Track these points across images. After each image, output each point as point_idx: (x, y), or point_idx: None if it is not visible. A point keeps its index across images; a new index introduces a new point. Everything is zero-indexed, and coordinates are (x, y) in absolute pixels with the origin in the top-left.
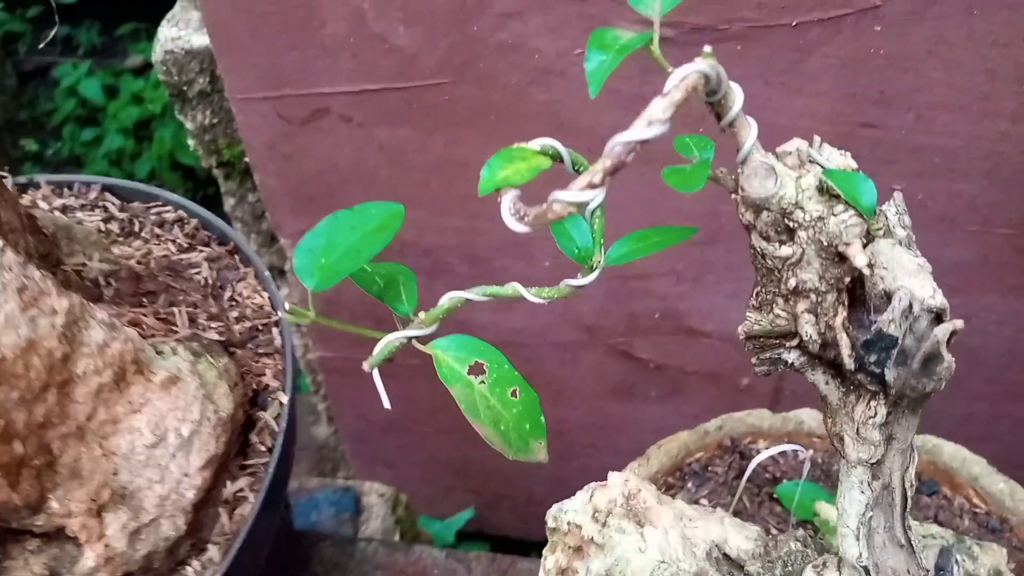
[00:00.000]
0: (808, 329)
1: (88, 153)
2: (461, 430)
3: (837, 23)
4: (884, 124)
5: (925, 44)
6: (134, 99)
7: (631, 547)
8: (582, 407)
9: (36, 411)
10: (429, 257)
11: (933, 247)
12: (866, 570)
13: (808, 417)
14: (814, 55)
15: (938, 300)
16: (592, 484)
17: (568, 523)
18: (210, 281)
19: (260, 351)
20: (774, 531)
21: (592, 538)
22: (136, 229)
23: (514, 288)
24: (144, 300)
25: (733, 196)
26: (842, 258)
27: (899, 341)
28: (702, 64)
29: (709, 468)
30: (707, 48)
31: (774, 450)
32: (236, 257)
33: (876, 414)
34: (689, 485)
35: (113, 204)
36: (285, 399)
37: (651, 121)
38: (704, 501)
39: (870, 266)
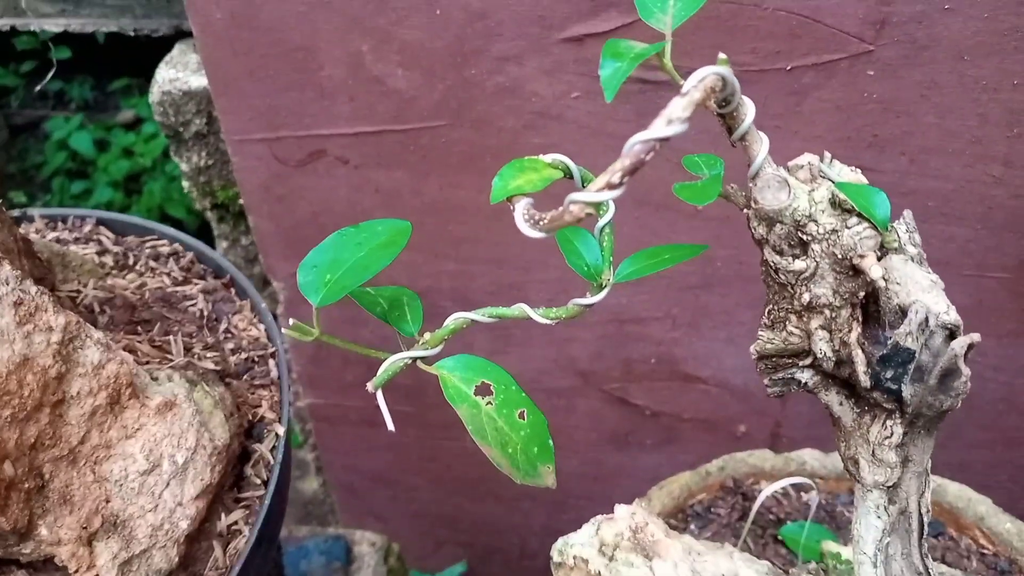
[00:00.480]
0: (822, 346)
1: (77, 206)
2: (452, 480)
3: (831, 68)
4: (878, 167)
5: (917, 89)
6: (125, 153)
7: None
8: (577, 456)
9: (28, 431)
10: (423, 300)
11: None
12: None
13: (810, 457)
14: (808, 99)
15: (952, 316)
16: (599, 517)
17: (574, 557)
18: (205, 313)
19: (256, 383)
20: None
21: (599, 573)
22: (130, 262)
23: (521, 309)
24: (139, 328)
25: (744, 211)
26: (856, 272)
27: (916, 355)
28: (719, 68)
29: (712, 510)
30: (722, 55)
31: (781, 484)
32: (232, 290)
33: (892, 434)
34: (692, 527)
35: (107, 238)
36: (281, 431)
37: (671, 120)
38: None
39: (885, 280)
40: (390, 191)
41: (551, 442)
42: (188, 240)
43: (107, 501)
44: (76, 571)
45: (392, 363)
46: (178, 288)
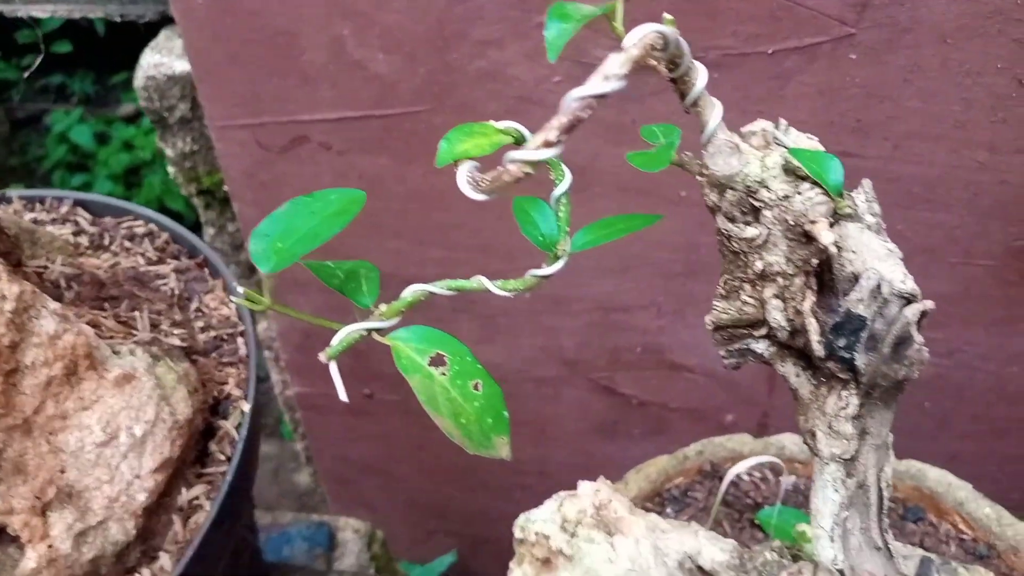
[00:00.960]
0: (776, 315)
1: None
2: (441, 470)
3: (813, 51)
4: (862, 153)
5: (900, 73)
6: (125, 146)
7: (601, 558)
8: (566, 446)
9: None
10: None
11: (915, 279)
12: (841, 573)
13: (790, 442)
14: (791, 83)
15: (909, 286)
16: (562, 493)
17: (536, 533)
18: (176, 292)
19: (224, 360)
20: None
21: (561, 549)
22: (106, 243)
23: (479, 281)
24: (106, 305)
25: (698, 178)
26: (809, 238)
27: (868, 323)
28: (660, 26)
29: (688, 493)
30: (667, 16)
31: (749, 462)
32: (205, 270)
33: (848, 405)
34: (668, 510)
35: (84, 219)
36: (247, 407)
37: (607, 76)
38: None
39: (837, 246)
40: (373, 177)
41: (506, 413)
42: (163, 220)
43: (62, 472)
44: (29, 541)
45: (347, 334)
46: (151, 268)
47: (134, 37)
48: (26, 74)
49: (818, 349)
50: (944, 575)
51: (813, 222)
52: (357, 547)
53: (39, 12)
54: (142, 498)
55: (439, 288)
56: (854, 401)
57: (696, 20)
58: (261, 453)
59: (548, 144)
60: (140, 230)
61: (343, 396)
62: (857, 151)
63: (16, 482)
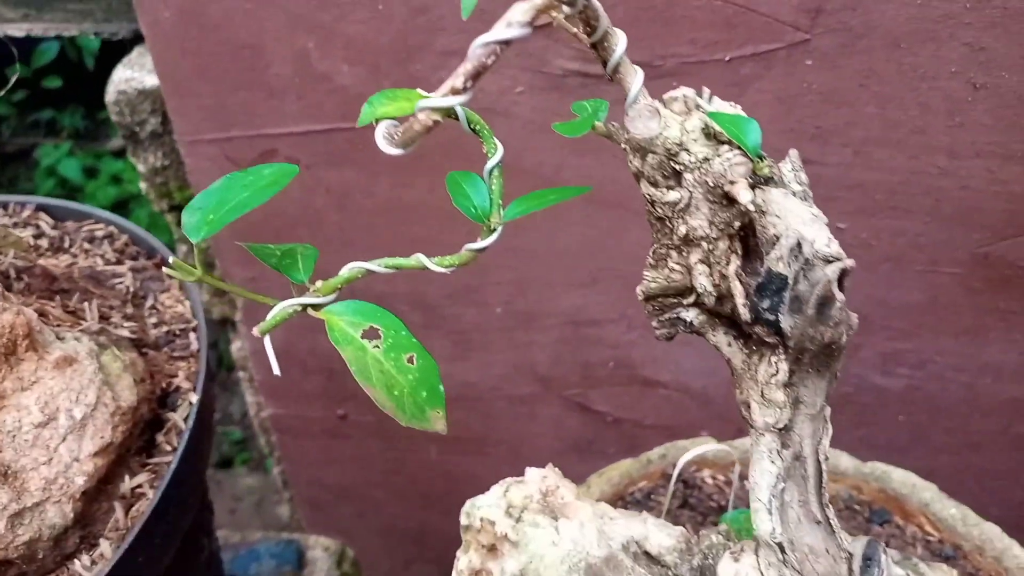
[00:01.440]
0: (702, 280)
1: None
2: (418, 495)
3: (769, 58)
4: (822, 160)
5: (856, 78)
6: (113, 180)
7: (545, 541)
8: (542, 466)
9: None
10: (380, 304)
11: (881, 288)
12: (781, 547)
13: None
14: (749, 90)
15: (833, 248)
16: (508, 479)
17: (481, 519)
18: (132, 289)
19: (175, 355)
20: None
21: (506, 535)
22: (66, 245)
23: (417, 259)
24: (56, 297)
25: (622, 145)
26: (730, 200)
27: (789, 282)
28: None
29: (651, 496)
30: None
31: (700, 450)
32: (162, 269)
33: (778, 372)
34: None
35: (46, 223)
36: (195, 399)
37: (511, 23)
38: None
39: (760, 210)
40: (341, 191)
41: (441, 388)
42: (123, 223)
43: None
44: None
45: (282, 309)
46: (108, 267)
47: None
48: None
49: (744, 313)
50: (905, 570)
51: (732, 183)
52: (327, 565)
53: (15, 31)
54: (81, 481)
55: (377, 266)
56: (784, 367)
57: (653, 28)
58: (244, 486)
59: (455, 91)
60: (100, 232)
61: (276, 370)
62: (817, 158)
63: None
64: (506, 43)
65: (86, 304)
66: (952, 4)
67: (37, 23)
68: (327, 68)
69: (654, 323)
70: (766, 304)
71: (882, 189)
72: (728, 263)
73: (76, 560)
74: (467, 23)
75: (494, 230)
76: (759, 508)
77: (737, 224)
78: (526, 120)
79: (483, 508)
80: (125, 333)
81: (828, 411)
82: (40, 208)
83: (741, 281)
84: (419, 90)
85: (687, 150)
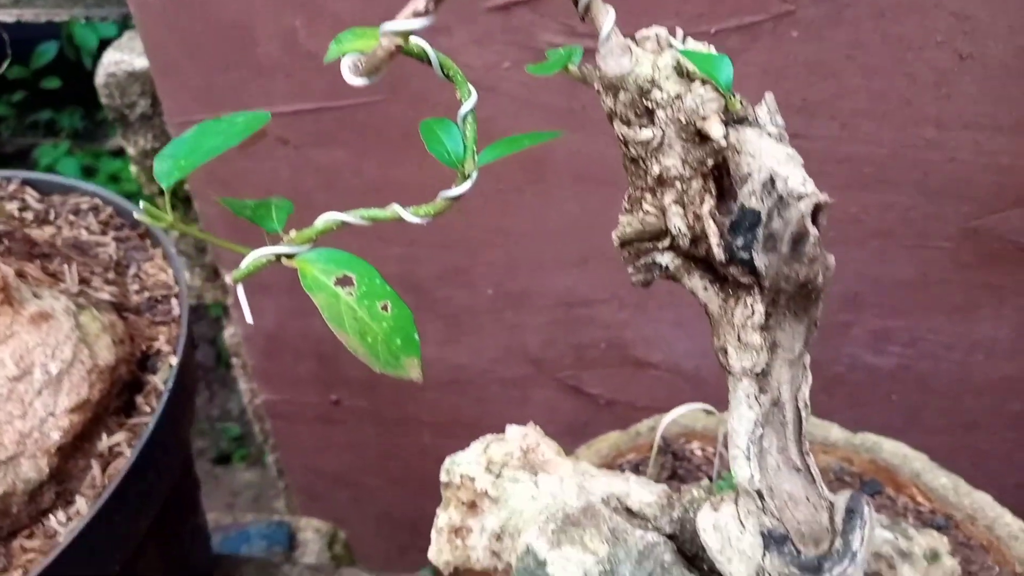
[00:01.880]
0: (677, 221)
1: None
2: (413, 481)
3: (755, 30)
4: (809, 134)
5: (842, 49)
6: (111, 179)
7: (524, 496)
8: None
9: None
10: None
11: (871, 265)
12: (759, 494)
13: None
14: (735, 63)
15: (809, 188)
16: (488, 436)
17: (461, 475)
18: (115, 258)
19: (157, 320)
20: None
21: (486, 491)
22: (51, 218)
23: (393, 210)
24: (37, 261)
25: (595, 85)
26: (703, 138)
27: (762, 217)
28: None
29: (640, 468)
30: None
31: (682, 409)
32: (147, 240)
33: (754, 313)
34: None
35: (32, 196)
36: (175, 361)
37: None
38: None
39: (728, 141)
40: (330, 171)
41: (416, 336)
42: (108, 195)
43: None
44: None
45: (255, 257)
46: (92, 237)
47: None
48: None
49: (718, 253)
50: (893, 533)
51: (704, 118)
52: (318, 546)
53: (5, 16)
54: (56, 436)
55: (352, 217)
56: (759, 308)
57: (637, 1)
58: (242, 481)
59: (418, 14)
60: (85, 205)
61: (249, 319)
62: (805, 132)
63: None
64: None
65: (66, 267)
66: None
67: (27, 8)
68: (315, 47)
69: (630, 269)
70: (740, 242)
71: (870, 162)
72: (702, 203)
73: (51, 516)
74: (456, 1)
75: (468, 176)
76: (737, 455)
77: (710, 162)
78: (514, 96)
79: (463, 465)
80: (105, 296)
81: (807, 359)
82: (25, 183)
83: (715, 221)
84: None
85: (659, 87)
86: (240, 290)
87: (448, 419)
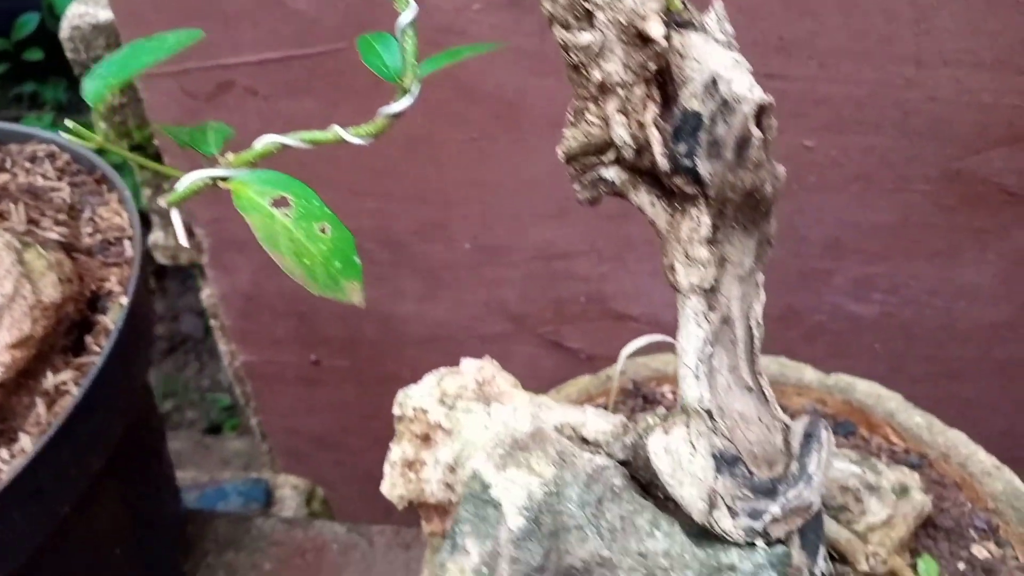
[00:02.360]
0: (620, 131)
1: None
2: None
3: None
4: (787, 74)
5: None
6: (96, 151)
7: (477, 426)
8: None
9: None
10: None
11: (852, 210)
12: (709, 414)
13: None
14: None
15: (756, 94)
16: (442, 369)
17: (414, 408)
18: (68, 202)
19: (109, 261)
20: None
21: (439, 423)
22: (7, 166)
23: (334, 132)
24: None
25: None
26: (644, 40)
27: (704, 120)
28: None
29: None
30: None
31: (641, 342)
32: (104, 186)
33: (700, 225)
34: None
35: None
36: (125, 301)
37: None
38: None
39: (670, 43)
40: (300, 122)
41: (357, 260)
42: (64, 142)
43: None
44: None
45: (191, 180)
46: (47, 183)
47: None
48: None
49: (662, 162)
50: (861, 468)
51: (644, 18)
52: (295, 503)
53: None
54: None
55: (292, 140)
56: (706, 220)
57: None
58: (232, 449)
59: None
60: (42, 152)
61: (183, 241)
62: (782, 72)
63: None
64: None
65: (13, 207)
66: None
67: None
68: None
69: (576, 186)
70: (683, 149)
71: (849, 103)
72: (645, 110)
73: None
74: None
75: (408, 91)
76: (686, 374)
77: (653, 67)
78: (484, 39)
79: (415, 397)
80: (54, 236)
81: (760, 277)
82: None
83: (659, 128)
84: None
85: None
86: (175, 215)
87: None
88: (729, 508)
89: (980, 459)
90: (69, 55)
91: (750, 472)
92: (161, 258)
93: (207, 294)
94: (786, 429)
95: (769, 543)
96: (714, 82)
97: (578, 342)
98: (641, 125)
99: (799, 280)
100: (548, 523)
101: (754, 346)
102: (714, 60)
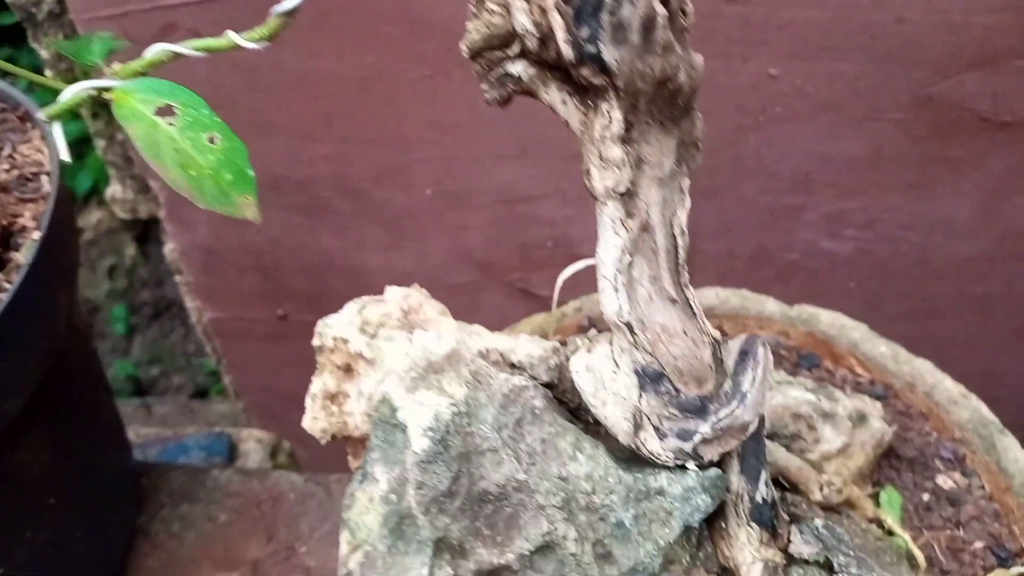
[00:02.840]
0: (521, 19)
1: None
2: None
3: None
4: None
5: None
6: (74, 116)
7: (399, 354)
8: None
9: None
10: (304, 192)
11: (821, 142)
12: (630, 327)
13: None
14: None
15: None
16: (365, 297)
17: (334, 338)
18: None
19: (25, 197)
20: None
21: (360, 352)
22: None
23: (227, 37)
24: None
25: None
26: None
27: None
28: None
29: None
30: None
31: (582, 264)
32: (27, 123)
33: (612, 121)
34: None
35: None
36: (37, 236)
37: None
38: None
39: None
40: (248, 66)
41: (251, 172)
42: None
43: None
44: None
45: (76, 91)
46: None
47: None
48: None
49: (566, 50)
50: (817, 395)
51: None
52: (260, 456)
53: None
54: None
55: (185, 48)
56: (617, 116)
57: None
58: (217, 413)
59: None
60: None
61: (66, 156)
62: None
63: None
64: None
65: None
66: None
67: None
68: None
69: (484, 85)
70: (585, 33)
71: (814, 27)
72: None
73: None
74: None
75: None
76: (605, 286)
77: None
78: None
79: (335, 327)
80: None
81: (686, 183)
82: None
83: (560, 13)
84: None
85: None
86: (56, 129)
87: None
88: (656, 428)
89: (947, 387)
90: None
91: (676, 389)
92: (120, 212)
93: (170, 248)
94: (716, 344)
95: (702, 466)
96: None
97: (547, 289)
98: (543, 10)
99: (769, 218)
100: (457, 445)
101: (678, 256)
102: None
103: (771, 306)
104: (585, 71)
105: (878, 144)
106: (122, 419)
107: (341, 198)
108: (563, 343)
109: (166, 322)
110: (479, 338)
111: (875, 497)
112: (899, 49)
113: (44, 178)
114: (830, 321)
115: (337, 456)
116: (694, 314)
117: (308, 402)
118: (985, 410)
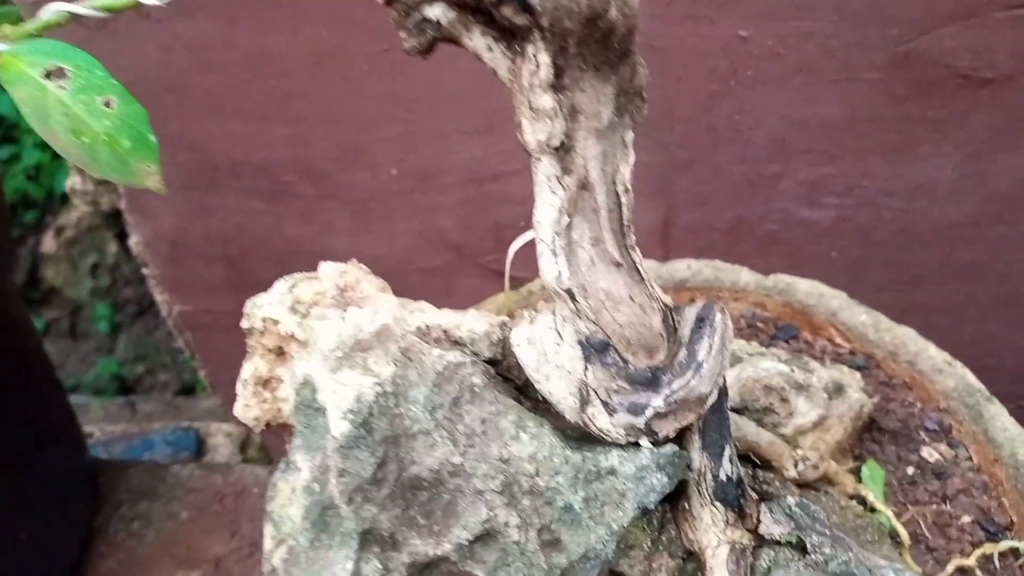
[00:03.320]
0: None
1: (7, 171)
2: None
3: None
4: None
5: None
6: None
7: (332, 333)
8: None
9: None
10: (265, 177)
11: (795, 106)
12: (571, 294)
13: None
14: None
15: None
16: (296, 275)
17: (263, 319)
18: None
19: None
20: None
21: (292, 333)
22: None
23: None
24: None
25: None
26: None
27: None
28: None
29: None
30: None
31: (528, 236)
32: None
33: (539, 66)
34: None
35: None
36: None
37: None
38: None
39: None
40: (201, 46)
41: (152, 138)
42: None
43: None
44: None
45: None
46: None
47: None
48: None
49: None
50: (790, 366)
51: None
52: (228, 451)
53: None
54: None
55: (84, 8)
56: (545, 59)
57: None
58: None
59: None
60: None
61: None
62: None
63: None
64: None
65: None
66: None
67: None
68: None
69: (402, 34)
70: None
71: None
72: None
73: None
74: None
75: None
76: (543, 250)
77: None
78: None
79: (264, 307)
80: None
81: (629, 136)
82: None
83: None
84: None
85: None
86: None
87: None
88: (605, 403)
89: (930, 355)
90: None
91: (624, 360)
92: (81, 204)
93: (135, 241)
94: (667, 310)
95: (656, 443)
96: None
97: (522, 271)
98: None
99: (747, 187)
100: (383, 428)
101: (623, 215)
102: None
103: (746, 276)
104: (506, 10)
105: (854, 106)
106: (75, 416)
107: (304, 181)
108: (512, 316)
109: (150, 319)
110: (421, 314)
111: (856, 472)
112: (873, 4)
113: None
114: (808, 290)
115: None
116: (641, 279)
117: (239, 388)
118: (971, 378)
